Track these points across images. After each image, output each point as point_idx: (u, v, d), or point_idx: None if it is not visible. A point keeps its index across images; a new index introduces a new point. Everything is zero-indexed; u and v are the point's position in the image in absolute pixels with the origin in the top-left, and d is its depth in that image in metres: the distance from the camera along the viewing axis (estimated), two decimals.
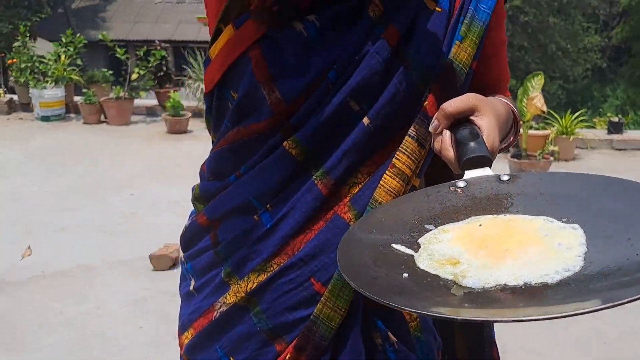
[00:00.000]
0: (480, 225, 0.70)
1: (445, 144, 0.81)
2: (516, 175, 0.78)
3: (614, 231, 0.63)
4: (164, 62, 8.80)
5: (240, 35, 0.94)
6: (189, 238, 1.09)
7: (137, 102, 8.92)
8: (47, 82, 8.47)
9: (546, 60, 21.92)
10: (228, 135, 0.99)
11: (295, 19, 0.91)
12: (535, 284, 0.58)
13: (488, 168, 0.78)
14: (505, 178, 0.77)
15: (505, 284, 0.59)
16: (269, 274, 0.95)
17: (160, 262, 4.05)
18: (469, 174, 0.78)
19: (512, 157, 6.16)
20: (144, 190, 5.76)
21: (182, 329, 1.08)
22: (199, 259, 1.05)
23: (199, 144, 7.77)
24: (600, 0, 22.48)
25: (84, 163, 6.69)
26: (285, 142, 0.93)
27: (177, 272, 3.93)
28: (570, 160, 7.03)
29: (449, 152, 0.80)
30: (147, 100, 9.42)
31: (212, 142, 1.08)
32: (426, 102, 0.91)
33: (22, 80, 8.66)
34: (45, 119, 8.46)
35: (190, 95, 8.73)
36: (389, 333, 0.96)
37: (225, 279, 1.00)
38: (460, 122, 0.81)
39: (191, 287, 1.07)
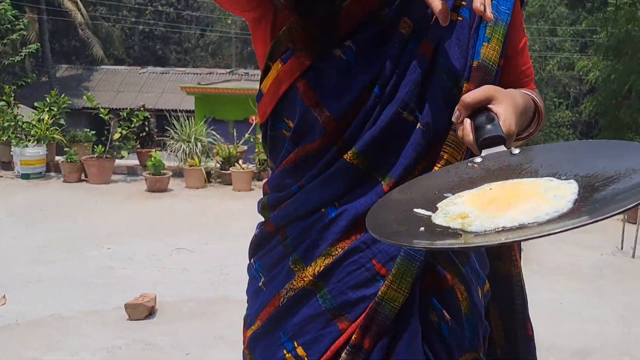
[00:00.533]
0: (491, 189, 0.81)
1: (466, 130, 0.89)
2: (527, 148, 0.87)
3: (602, 181, 0.74)
4: (146, 123, 8.96)
5: (288, 70, 1.05)
6: (257, 243, 1.19)
7: (118, 161, 9.02)
8: (29, 141, 8.55)
9: None
10: (289, 157, 1.10)
11: (333, 46, 1.03)
12: (528, 223, 0.69)
13: (503, 146, 0.86)
14: (517, 151, 0.86)
15: (503, 227, 0.70)
16: (334, 257, 1.04)
17: (135, 311, 4.03)
18: (485, 152, 0.87)
19: None
20: (121, 245, 5.77)
21: (248, 325, 1.17)
22: (268, 256, 1.15)
23: (178, 202, 7.84)
24: (570, 77, 23.44)
25: (63, 219, 6.70)
26: (347, 155, 1.03)
27: (153, 321, 3.95)
28: None
29: (469, 137, 0.88)
30: (128, 160, 9.52)
31: (270, 166, 1.22)
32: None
33: (4, 138, 8.75)
34: (26, 176, 8.50)
35: (172, 156, 8.86)
36: (444, 311, 1.04)
37: (292, 266, 1.08)
38: (480, 110, 0.90)
39: (260, 283, 1.16)
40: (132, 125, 8.71)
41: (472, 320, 1.07)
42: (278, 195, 1.13)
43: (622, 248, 6.05)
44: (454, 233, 0.73)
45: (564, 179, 0.78)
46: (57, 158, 9.07)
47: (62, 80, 25.28)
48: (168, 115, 9.31)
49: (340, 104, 1.03)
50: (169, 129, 9.12)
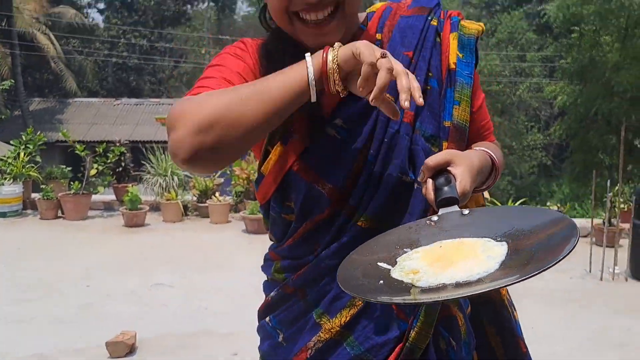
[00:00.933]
0: (441, 246, 0.97)
1: (428, 189, 1.04)
2: (473, 210, 1.03)
3: (526, 245, 0.90)
4: (122, 158, 9.01)
5: (288, 150, 1.15)
6: (274, 303, 1.26)
7: (94, 197, 9.04)
8: (5, 179, 8.55)
9: None
10: (298, 231, 1.19)
11: (327, 126, 1.15)
12: (463, 282, 0.85)
13: (456, 206, 1.01)
14: (466, 212, 1.02)
15: (444, 283, 0.86)
16: (358, 308, 1.15)
17: (116, 349, 4.07)
18: (442, 211, 1.02)
19: None
20: (100, 281, 5.80)
21: None
22: (288, 312, 1.23)
23: (155, 236, 7.88)
24: (540, 101, 23.94)
25: (41, 257, 6.70)
26: (360, 222, 1.14)
27: (134, 358, 3.98)
28: None
29: (430, 196, 1.03)
30: (104, 195, 9.54)
31: (270, 238, 1.30)
32: None
33: None
34: (2, 215, 8.48)
35: (149, 190, 8.90)
36: (451, 338, 1.18)
37: (317, 320, 1.18)
38: (441, 172, 1.05)
39: (280, 339, 1.24)
40: (109, 161, 8.75)
41: (468, 342, 1.21)
42: (295, 262, 1.22)
43: (590, 271, 6.22)
44: (406, 288, 0.88)
45: (499, 241, 0.93)
46: (33, 195, 9.06)
47: (36, 113, 25.14)
48: (144, 149, 9.37)
49: (339, 175, 1.14)
50: (144, 162, 9.17)
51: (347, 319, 1.15)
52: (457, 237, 0.98)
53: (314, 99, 1.00)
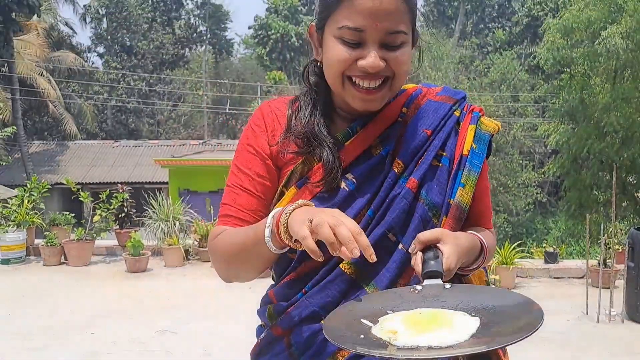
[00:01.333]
0: (421, 313, 1.09)
1: (416, 261, 1.16)
2: (455, 286, 1.15)
3: (495, 322, 1.04)
4: (125, 204, 9.14)
5: (300, 194, 1.28)
6: (263, 347, 1.35)
7: (97, 242, 9.13)
8: (9, 225, 8.66)
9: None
10: (295, 271, 1.30)
11: (340, 178, 1.28)
12: (434, 346, 0.99)
13: (440, 280, 1.13)
14: (448, 286, 1.14)
15: (417, 345, 0.99)
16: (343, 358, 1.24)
17: None
18: (426, 282, 1.14)
19: None
20: (105, 328, 5.87)
21: None
22: None
23: (158, 282, 7.96)
24: (534, 140, 24.23)
25: (46, 304, 6.77)
26: (342, 265, 1.25)
27: None
28: (512, 289, 7.48)
29: (418, 267, 1.15)
30: (107, 240, 9.64)
31: (273, 277, 1.42)
32: None
33: None
34: (6, 261, 8.56)
35: (150, 234, 9.01)
36: None
37: None
38: (430, 247, 1.17)
39: None
40: (112, 207, 8.88)
41: None
42: (285, 304, 1.31)
43: (587, 313, 6.31)
44: (383, 344, 1.01)
45: (473, 316, 1.07)
46: (36, 241, 9.16)
47: (35, 156, 25.30)
48: (146, 195, 9.49)
49: None
50: (146, 208, 9.29)
51: None
52: (436, 307, 1.10)
53: (273, 250, 1.17)
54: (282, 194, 1.33)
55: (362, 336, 1.03)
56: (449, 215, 1.28)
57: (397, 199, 1.28)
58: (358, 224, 1.24)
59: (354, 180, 1.29)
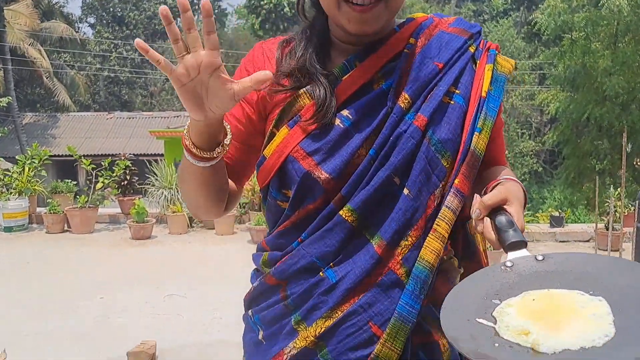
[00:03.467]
0: (534, 299, 0.94)
1: (487, 228, 1.04)
2: (547, 255, 1.01)
3: (627, 302, 0.90)
4: (127, 172, 9.06)
5: (293, 134, 1.18)
6: (256, 295, 1.28)
7: (100, 210, 9.07)
8: (11, 193, 8.58)
9: None
10: (289, 219, 1.21)
11: (334, 114, 1.17)
12: (589, 347, 0.82)
13: (525, 250, 1.02)
14: (540, 258, 1.00)
15: (568, 348, 0.83)
16: (334, 320, 1.14)
17: (138, 359, 4.12)
18: (512, 255, 1.01)
19: None
20: (113, 294, 5.83)
21: None
22: (268, 311, 1.23)
23: (163, 248, 7.92)
24: (532, 108, 24.20)
25: (51, 272, 6.72)
26: (342, 211, 1.14)
27: None
28: None
29: (492, 236, 1.03)
30: (110, 208, 9.58)
31: (267, 226, 1.33)
32: (457, 180, 1.15)
33: None
34: (9, 229, 8.50)
35: (153, 202, 8.95)
36: None
37: (294, 326, 1.18)
38: (495, 209, 1.06)
39: (260, 337, 1.25)
40: (114, 174, 8.80)
41: None
42: (280, 253, 1.22)
43: None
44: (528, 353, 0.87)
45: (592, 294, 0.92)
46: (38, 209, 9.09)
47: (28, 127, 25.11)
48: (148, 162, 9.41)
49: (336, 164, 1.15)
50: (148, 176, 9.21)
51: (322, 330, 1.15)
52: (541, 287, 0.96)
53: (192, 161, 1.15)
54: (272, 135, 1.22)
55: (496, 344, 0.88)
56: (465, 163, 1.17)
57: (403, 138, 1.16)
58: (358, 164, 1.16)
59: (349, 116, 1.18)
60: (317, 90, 1.18)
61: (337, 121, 1.17)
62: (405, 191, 1.15)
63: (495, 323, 0.92)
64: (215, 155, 1.15)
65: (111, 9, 33.62)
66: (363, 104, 1.18)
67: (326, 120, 1.16)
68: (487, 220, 1.06)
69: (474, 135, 1.17)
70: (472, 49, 1.26)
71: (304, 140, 1.17)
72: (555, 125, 19.03)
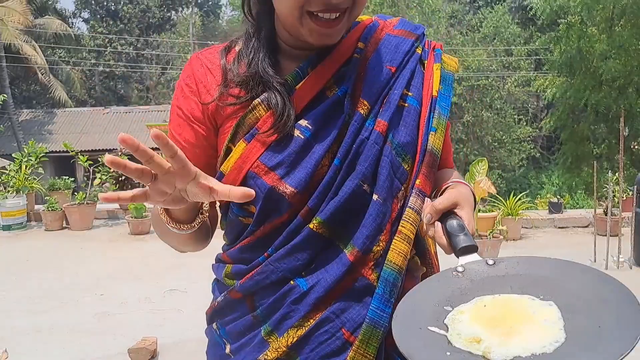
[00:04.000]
0: (485, 306, 0.93)
1: (438, 233, 1.04)
2: (498, 259, 1.00)
3: (577, 306, 0.89)
4: None
5: (251, 149, 1.12)
6: (221, 308, 1.22)
7: (98, 206, 9.06)
8: (8, 192, 8.56)
9: (484, 151, 23.15)
10: (254, 234, 1.15)
11: (293, 127, 1.12)
12: (539, 354, 0.81)
13: (476, 254, 1.01)
14: (491, 262, 1.00)
15: (519, 355, 0.82)
16: (306, 329, 1.11)
17: (139, 355, 4.12)
18: (463, 260, 1.01)
19: None
20: (113, 290, 5.84)
21: None
22: (236, 324, 1.18)
23: (162, 243, 7.85)
24: (528, 95, 24.16)
25: (51, 268, 6.73)
26: (311, 224, 1.10)
27: None
28: (518, 240, 7.51)
29: (443, 240, 1.03)
30: (107, 204, 9.56)
31: (224, 238, 1.26)
32: (418, 180, 1.15)
33: None
34: (7, 228, 8.49)
35: None
36: None
37: (265, 337, 1.14)
38: (446, 213, 1.06)
39: (227, 351, 1.20)
40: (112, 170, 8.77)
41: None
42: (244, 267, 1.16)
43: (595, 261, 6.33)
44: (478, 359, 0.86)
45: (542, 299, 0.91)
46: (36, 207, 9.08)
47: (24, 124, 25.04)
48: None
49: (301, 177, 1.10)
50: None
51: (294, 339, 1.12)
52: (493, 292, 0.95)
53: (174, 230, 1.12)
54: (228, 151, 1.15)
55: (448, 353, 0.87)
56: (424, 163, 1.16)
57: (367, 145, 1.13)
58: (323, 175, 1.12)
59: (308, 126, 1.13)
60: (274, 99, 1.13)
61: (297, 132, 1.12)
62: (375, 197, 1.13)
63: (447, 330, 0.91)
64: (196, 225, 1.12)
65: (105, 3, 33.45)
66: (321, 113, 1.14)
67: (286, 131, 1.12)
68: (438, 224, 1.06)
69: (430, 135, 1.17)
70: (419, 51, 1.25)
71: (263, 154, 1.12)
72: (552, 111, 19.01)
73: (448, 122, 1.24)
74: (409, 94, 1.20)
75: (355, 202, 1.12)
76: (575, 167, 16.50)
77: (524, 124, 24.07)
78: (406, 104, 1.19)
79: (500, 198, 7.73)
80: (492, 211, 7.37)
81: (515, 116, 23.71)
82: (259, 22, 1.20)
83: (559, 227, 8.13)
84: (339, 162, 1.12)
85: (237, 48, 1.22)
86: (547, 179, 25.52)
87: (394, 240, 1.12)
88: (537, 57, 23.29)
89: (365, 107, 1.15)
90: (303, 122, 1.13)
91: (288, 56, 1.20)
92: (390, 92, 1.18)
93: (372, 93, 1.17)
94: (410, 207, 1.13)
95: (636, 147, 15.54)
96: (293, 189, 1.10)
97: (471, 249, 1.02)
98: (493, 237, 6.56)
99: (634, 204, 6.33)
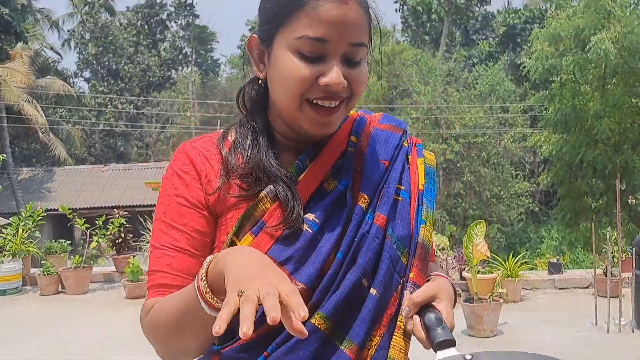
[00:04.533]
0: None
1: (416, 327, 1.05)
2: (476, 355, 0.99)
3: None
4: (122, 229, 9.01)
5: (259, 242, 1.09)
6: None
7: (94, 269, 8.98)
8: (4, 256, 8.51)
9: (482, 205, 23.18)
10: (257, 330, 1.09)
11: (301, 221, 1.12)
12: None
13: (454, 348, 1.02)
14: (468, 357, 0.99)
15: None
16: None
17: None
18: (440, 355, 1.01)
19: (465, 301, 6.50)
20: (111, 357, 5.74)
21: None
22: None
23: None
24: (524, 150, 24.34)
25: (46, 335, 6.62)
26: (313, 319, 1.07)
27: None
28: (519, 302, 7.43)
29: (421, 334, 1.04)
30: (104, 267, 9.50)
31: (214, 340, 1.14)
32: (412, 274, 1.15)
33: None
34: (2, 292, 8.40)
35: (148, 259, 8.86)
36: None
37: None
38: (424, 306, 1.07)
39: None
40: (108, 233, 8.76)
41: None
42: None
43: (596, 323, 6.26)
44: None
45: None
46: (32, 270, 9.01)
47: (24, 182, 25.13)
48: (142, 219, 9.37)
49: (310, 272, 1.09)
50: (143, 232, 9.17)
51: None
52: None
53: (208, 312, 0.96)
54: (232, 244, 1.11)
55: None
56: (416, 256, 1.17)
57: (367, 239, 1.13)
58: (328, 269, 1.11)
59: (315, 220, 1.12)
60: (283, 193, 1.11)
61: (305, 226, 1.11)
62: (373, 291, 1.12)
63: None
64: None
65: (106, 63, 34.04)
66: (327, 206, 1.14)
67: (296, 225, 1.10)
68: (417, 317, 1.06)
69: (420, 228, 1.19)
70: (405, 144, 1.28)
71: (272, 247, 1.09)
72: (548, 166, 19.11)
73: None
74: (402, 187, 1.22)
75: (354, 296, 1.10)
76: (574, 223, 16.48)
77: (522, 179, 24.15)
78: (400, 198, 1.20)
79: (499, 259, 7.69)
80: (492, 272, 7.32)
81: (513, 171, 23.82)
82: (254, 115, 1.21)
83: (560, 288, 8.06)
84: (342, 256, 1.11)
85: (230, 138, 1.21)
86: (547, 233, 25.48)
87: (394, 337, 1.12)
88: (532, 112, 23.59)
89: (365, 201, 1.16)
90: (310, 216, 1.12)
91: (283, 147, 1.20)
92: (386, 185, 1.20)
93: (370, 187, 1.18)
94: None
95: (634, 201, 15.56)
96: (303, 285, 1.07)
97: (449, 344, 1.02)
98: (493, 300, 6.49)
99: (634, 266, 6.30)
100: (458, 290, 1.15)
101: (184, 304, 1.02)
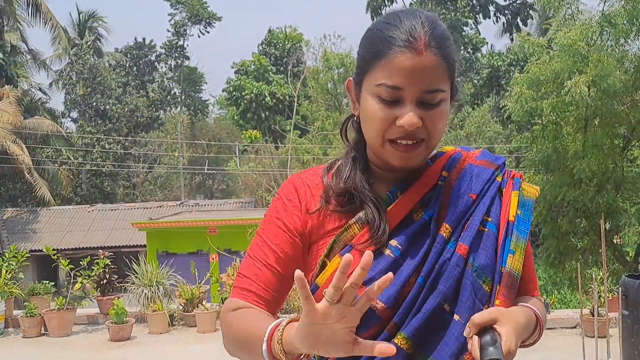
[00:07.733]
0: None
1: (473, 347, 1.10)
2: None
3: None
4: (106, 270, 8.92)
5: None
6: None
7: (78, 311, 8.85)
8: None
9: None
10: None
11: (384, 246, 1.24)
12: None
13: None
14: None
15: None
16: None
17: None
18: None
19: None
20: None
21: None
22: None
23: (144, 349, 7.71)
24: None
25: None
26: (396, 339, 1.17)
27: None
28: None
29: (476, 353, 1.08)
30: (88, 309, 9.37)
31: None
32: (498, 301, 1.22)
33: None
34: None
35: (133, 300, 8.77)
36: None
37: None
38: (486, 329, 1.11)
39: None
40: (93, 274, 8.67)
41: None
42: None
43: None
44: None
45: None
46: (15, 312, 8.86)
47: (8, 222, 24.84)
48: (123, 257, 9.28)
49: (390, 293, 1.19)
50: (129, 273, 9.09)
51: None
52: None
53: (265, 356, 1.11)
54: (324, 265, 1.26)
55: None
56: (502, 284, 1.24)
57: (448, 266, 1.23)
58: (408, 292, 1.21)
59: (398, 246, 1.24)
60: (371, 214, 1.25)
61: (387, 251, 1.23)
62: (456, 317, 1.20)
63: None
64: None
65: (94, 104, 34.12)
66: (410, 234, 1.25)
67: (381, 244, 1.23)
68: (475, 338, 1.11)
69: (508, 257, 1.25)
70: (499, 179, 1.36)
71: (356, 269, 1.17)
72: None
73: (530, 249, 1.33)
74: (489, 219, 1.30)
75: (436, 320, 1.19)
76: (559, 262, 16.50)
77: None
78: (486, 229, 1.28)
79: None
80: None
81: None
82: (354, 146, 1.36)
83: (547, 329, 7.99)
84: (422, 281, 1.21)
85: (335, 167, 1.36)
86: None
87: None
88: (518, 153, 23.86)
89: (448, 231, 1.26)
90: (393, 242, 1.24)
91: (378, 177, 1.34)
92: (471, 218, 1.28)
93: (455, 218, 1.27)
94: None
95: (619, 241, 15.66)
96: (383, 304, 1.18)
97: None
98: None
99: (620, 306, 6.32)
100: (541, 322, 1.19)
101: (255, 338, 1.15)
